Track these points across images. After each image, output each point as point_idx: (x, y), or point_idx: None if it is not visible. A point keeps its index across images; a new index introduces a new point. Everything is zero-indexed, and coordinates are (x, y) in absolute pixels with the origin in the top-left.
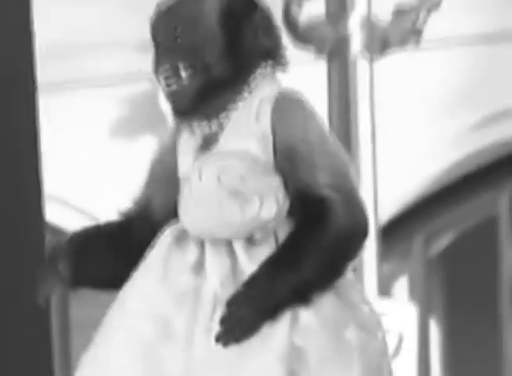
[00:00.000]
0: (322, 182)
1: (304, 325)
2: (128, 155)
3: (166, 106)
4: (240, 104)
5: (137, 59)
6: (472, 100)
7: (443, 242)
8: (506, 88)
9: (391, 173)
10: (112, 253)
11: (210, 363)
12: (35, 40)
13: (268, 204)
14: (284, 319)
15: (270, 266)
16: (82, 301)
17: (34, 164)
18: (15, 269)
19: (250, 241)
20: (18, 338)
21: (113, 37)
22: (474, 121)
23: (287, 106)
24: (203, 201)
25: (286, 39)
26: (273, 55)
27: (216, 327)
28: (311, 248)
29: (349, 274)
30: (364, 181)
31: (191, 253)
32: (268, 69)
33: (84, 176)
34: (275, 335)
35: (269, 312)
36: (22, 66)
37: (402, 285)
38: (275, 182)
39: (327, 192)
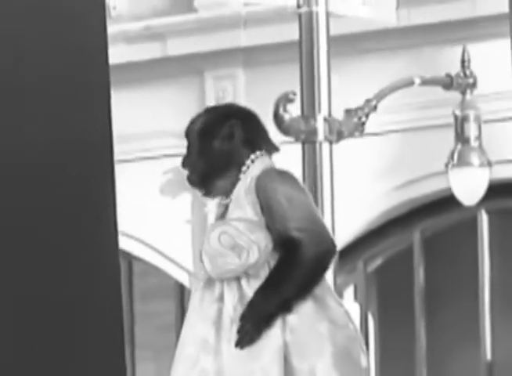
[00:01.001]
0: (291, 227)
1: (290, 325)
2: (172, 206)
3: None
4: (240, 182)
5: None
6: (398, 170)
7: (376, 263)
8: (419, 164)
9: (344, 216)
10: None
11: (233, 363)
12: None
13: (253, 253)
14: (277, 324)
15: (261, 291)
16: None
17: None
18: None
19: (248, 276)
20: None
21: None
22: (399, 183)
23: (264, 180)
24: (213, 256)
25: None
26: (260, 146)
27: (234, 337)
28: (287, 275)
29: (327, 284)
30: (326, 221)
31: (216, 289)
32: (257, 156)
33: (142, 219)
34: (272, 336)
35: (264, 321)
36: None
37: (349, 291)
38: (259, 236)
39: (295, 233)
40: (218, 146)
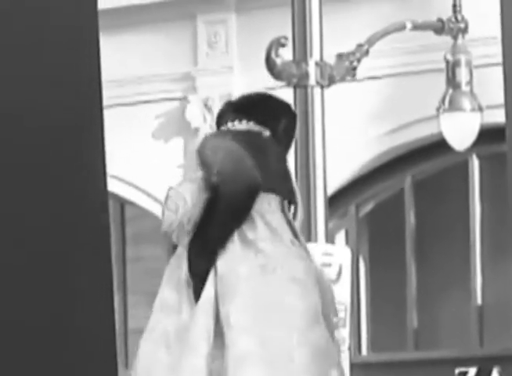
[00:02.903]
0: (212, 172)
1: (219, 273)
2: (164, 150)
3: (189, 116)
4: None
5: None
6: (389, 114)
7: (368, 207)
8: (410, 108)
9: (336, 161)
10: None
11: (187, 316)
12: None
13: (182, 209)
14: (211, 274)
15: (191, 243)
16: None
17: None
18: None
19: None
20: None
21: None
22: (391, 127)
23: (202, 140)
24: (162, 216)
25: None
26: (250, 118)
27: (191, 297)
28: (208, 218)
29: (269, 229)
30: (318, 166)
31: (182, 255)
32: (239, 123)
33: (134, 163)
34: (206, 288)
35: (202, 270)
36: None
37: (341, 236)
38: (191, 194)
39: (214, 178)
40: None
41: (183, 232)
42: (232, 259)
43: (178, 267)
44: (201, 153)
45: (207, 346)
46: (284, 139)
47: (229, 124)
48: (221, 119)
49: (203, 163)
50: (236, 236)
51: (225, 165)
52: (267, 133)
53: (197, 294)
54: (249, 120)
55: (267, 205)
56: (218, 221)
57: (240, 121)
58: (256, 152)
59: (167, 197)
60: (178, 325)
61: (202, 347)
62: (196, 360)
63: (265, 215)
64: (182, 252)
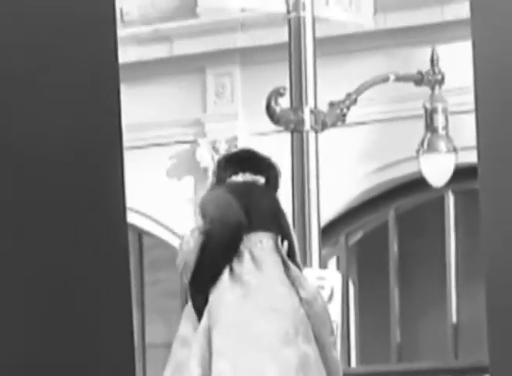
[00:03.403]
0: (206, 221)
1: (209, 305)
2: (177, 187)
3: (199, 157)
4: None
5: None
6: (376, 155)
7: (357, 237)
8: (394, 150)
9: (328, 195)
10: None
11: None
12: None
13: (180, 256)
14: (207, 307)
15: (189, 282)
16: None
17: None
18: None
19: None
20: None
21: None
22: (377, 166)
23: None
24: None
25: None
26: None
27: None
28: (200, 262)
29: (251, 264)
30: (312, 200)
31: None
32: (235, 176)
33: (151, 198)
34: (202, 320)
35: (198, 305)
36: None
37: (333, 262)
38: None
39: (206, 226)
40: (212, 179)
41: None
42: (220, 292)
43: None
44: (200, 206)
45: (198, 368)
46: (275, 183)
47: (229, 180)
48: (220, 174)
49: (202, 214)
50: (226, 272)
51: (214, 213)
52: (262, 180)
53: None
54: (244, 172)
55: (258, 242)
56: (210, 260)
57: (237, 174)
58: (246, 197)
59: (181, 242)
60: (185, 356)
61: (196, 374)
62: None
63: (254, 250)
64: None
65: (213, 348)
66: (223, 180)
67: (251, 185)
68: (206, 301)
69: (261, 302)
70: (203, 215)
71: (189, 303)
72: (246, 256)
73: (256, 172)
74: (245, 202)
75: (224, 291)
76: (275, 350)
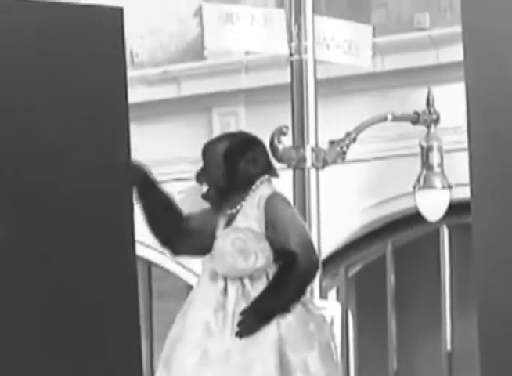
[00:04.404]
0: (292, 242)
1: (286, 323)
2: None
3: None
4: (248, 198)
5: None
6: (374, 191)
7: (356, 269)
8: (391, 186)
9: (329, 229)
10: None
11: (234, 350)
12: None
13: (260, 259)
14: (273, 322)
15: (264, 293)
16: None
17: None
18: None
19: (251, 278)
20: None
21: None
22: (375, 202)
23: (273, 202)
24: (224, 256)
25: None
26: (267, 171)
27: (234, 327)
28: (286, 281)
29: (307, 293)
30: (313, 233)
31: (219, 283)
32: (265, 178)
33: None
34: (269, 330)
35: (264, 319)
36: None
37: (332, 293)
38: (265, 245)
39: (294, 248)
40: (243, 168)
41: (244, 274)
42: (299, 315)
43: (220, 296)
44: (278, 216)
45: None
46: None
47: (263, 177)
48: (257, 163)
49: (279, 227)
50: None
51: (302, 240)
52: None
53: (247, 331)
54: (267, 173)
55: None
56: (295, 287)
57: (265, 176)
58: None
59: (235, 239)
60: (220, 352)
61: None
62: None
63: None
64: (216, 281)
65: (309, 370)
66: (253, 174)
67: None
68: (275, 316)
69: (329, 332)
70: (282, 229)
71: (207, 287)
72: None
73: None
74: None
75: (303, 316)
76: None
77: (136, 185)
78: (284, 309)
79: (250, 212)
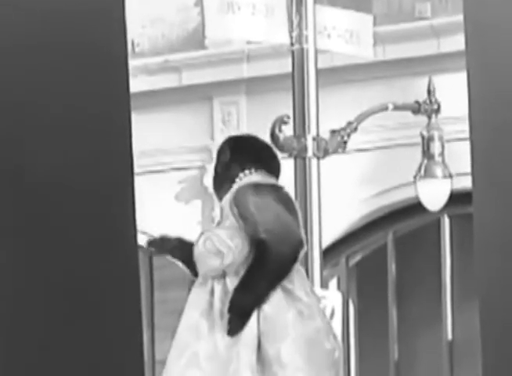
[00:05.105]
0: (259, 230)
1: (264, 315)
2: (185, 210)
3: (206, 182)
4: (226, 196)
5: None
6: (375, 181)
7: (357, 258)
8: (392, 176)
9: (330, 219)
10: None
11: (221, 348)
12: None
13: (227, 256)
14: (254, 315)
15: (237, 289)
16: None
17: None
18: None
19: (230, 275)
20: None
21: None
22: (376, 192)
23: (239, 194)
24: (199, 257)
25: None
26: (249, 166)
27: (223, 326)
28: (258, 272)
29: (299, 278)
30: (314, 223)
31: (208, 284)
32: (247, 173)
33: (160, 221)
34: (249, 325)
35: (242, 315)
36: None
37: (334, 282)
38: (238, 242)
39: (262, 235)
40: (221, 171)
41: (219, 272)
42: (278, 305)
43: (208, 296)
44: (242, 207)
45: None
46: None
47: (241, 174)
48: (231, 163)
49: (246, 217)
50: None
51: (271, 226)
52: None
53: (234, 329)
54: (256, 168)
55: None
56: (266, 276)
57: (250, 170)
58: (290, 210)
59: (205, 239)
60: (210, 351)
61: None
62: None
63: (298, 266)
64: (206, 283)
65: (281, 361)
66: (231, 174)
67: (282, 191)
68: (253, 311)
69: (321, 321)
70: (250, 219)
71: (198, 292)
72: (294, 272)
73: (261, 166)
74: (293, 214)
75: (281, 305)
76: (339, 368)
77: (169, 254)
78: (259, 300)
79: (227, 210)
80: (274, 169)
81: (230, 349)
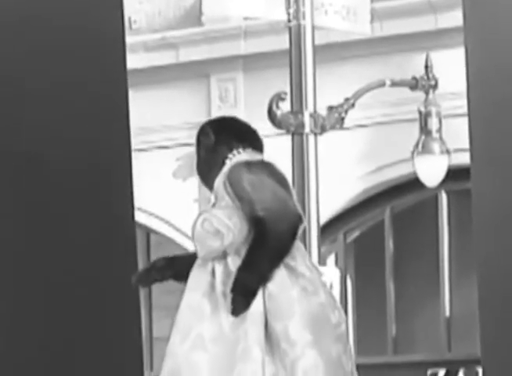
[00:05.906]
0: (256, 208)
1: (269, 292)
2: (182, 187)
3: None
4: (218, 178)
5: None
6: (372, 157)
7: (354, 234)
8: (390, 152)
9: (327, 195)
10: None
11: (226, 328)
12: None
13: (227, 236)
14: (259, 293)
15: (240, 269)
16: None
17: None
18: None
19: (231, 255)
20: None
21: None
22: (374, 168)
23: (231, 174)
24: (198, 239)
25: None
26: (237, 145)
27: (227, 307)
28: (259, 251)
29: (301, 254)
30: (312, 200)
31: (209, 266)
32: (236, 153)
33: (158, 198)
34: (255, 303)
35: (247, 294)
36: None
37: (331, 258)
38: (237, 221)
39: (260, 213)
40: (204, 154)
41: (219, 253)
42: (282, 282)
43: (209, 277)
44: (237, 186)
45: (261, 353)
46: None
47: (230, 155)
48: (216, 145)
49: (241, 196)
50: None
51: (268, 203)
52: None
53: (238, 309)
54: (244, 146)
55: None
56: (268, 254)
57: (238, 150)
58: (284, 185)
59: (203, 221)
60: (215, 333)
61: (257, 354)
62: (255, 366)
63: (298, 242)
64: (206, 264)
65: (290, 337)
66: (219, 155)
67: (275, 169)
68: (257, 290)
69: (325, 296)
70: (246, 198)
71: (198, 273)
72: (295, 248)
73: (248, 144)
74: (287, 190)
75: (285, 282)
76: (345, 341)
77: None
78: (263, 279)
79: (221, 191)
80: (259, 147)
81: (236, 329)
